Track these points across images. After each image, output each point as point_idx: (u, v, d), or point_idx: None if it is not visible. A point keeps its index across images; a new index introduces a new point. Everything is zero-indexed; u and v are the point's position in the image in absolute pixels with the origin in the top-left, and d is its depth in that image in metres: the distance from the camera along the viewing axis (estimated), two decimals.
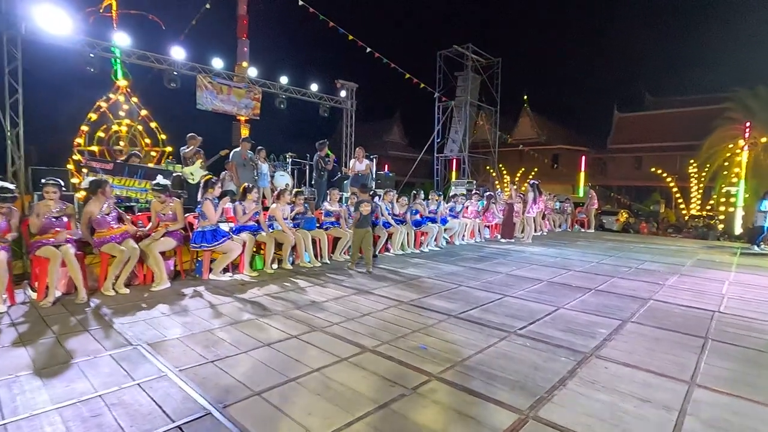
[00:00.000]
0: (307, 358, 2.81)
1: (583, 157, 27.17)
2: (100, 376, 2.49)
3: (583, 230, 13.57)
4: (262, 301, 4.21)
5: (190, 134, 7.49)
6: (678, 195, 22.80)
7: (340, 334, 3.29)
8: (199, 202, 5.14)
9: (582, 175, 26.95)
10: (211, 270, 5.14)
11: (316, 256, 6.29)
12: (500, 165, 24.35)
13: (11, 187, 3.99)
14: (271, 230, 5.78)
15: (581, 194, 25.19)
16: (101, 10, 10.80)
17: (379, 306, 4.13)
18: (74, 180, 8.93)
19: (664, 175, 23.52)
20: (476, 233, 9.82)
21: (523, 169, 27.27)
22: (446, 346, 3.12)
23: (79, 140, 9.91)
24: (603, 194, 24.60)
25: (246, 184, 5.91)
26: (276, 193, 6.02)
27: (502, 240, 9.87)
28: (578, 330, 3.57)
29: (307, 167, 11.40)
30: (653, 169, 24.24)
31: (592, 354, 3.03)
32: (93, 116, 10.11)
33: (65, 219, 4.17)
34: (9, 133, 8.37)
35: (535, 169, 26.11)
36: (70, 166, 9.46)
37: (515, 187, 10.21)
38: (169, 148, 11.32)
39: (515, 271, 6.11)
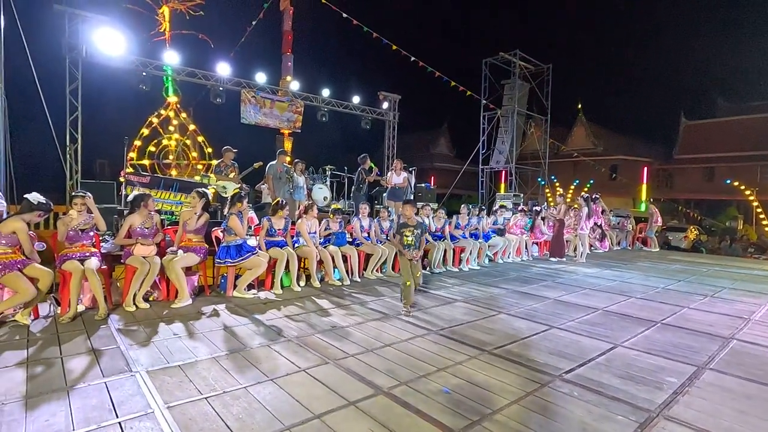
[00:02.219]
0: (310, 399, 2.46)
1: (646, 168, 25.22)
2: (85, 409, 2.29)
3: (645, 248, 12.32)
4: (280, 324, 3.94)
5: (225, 147, 7.54)
6: (759, 210, 20.37)
7: (355, 369, 2.92)
8: (225, 217, 5.03)
9: (644, 187, 24.96)
10: (235, 286, 4.98)
11: (347, 273, 5.99)
12: (552, 177, 23.07)
13: (43, 200, 4.01)
14: (296, 245, 5.57)
15: (643, 208, 23.30)
16: (159, 30, 11.42)
17: (404, 335, 3.71)
18: (125, 192, 9.36)
19: (742, 187, 21.13)
20: (523, 250, 9.11)
21: (577, 181, 25.72)
22: (474, 391, 2.65)
23: (132, 154, 10.42)
24: (669, 208, 22.58)
25: (279, 199, 5.73)
26: (303, 207, 5.81)
27: (552, 259, 9.08)
28: (640, 377, 2.95)
29: (346, 180, 11.26)
30: (728, 181, 21.89)
31: (659, 413, 2.44)
32: (145, 131, 10.62)
33: (91, 231, 4.20)
34: (68, 149, 8.92)
35: (591, 182, 24.50)
36: (123, 180, 9.96)
37: (563, 200, 9.36)
38: (215, 162, 11.67)
39: (565, 297, 5.44)
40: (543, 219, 9.69)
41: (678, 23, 53.84)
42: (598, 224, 10.94)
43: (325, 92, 12.77)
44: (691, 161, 24.81)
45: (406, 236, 4.54)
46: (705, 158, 24.30)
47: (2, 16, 7.54)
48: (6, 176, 7.59)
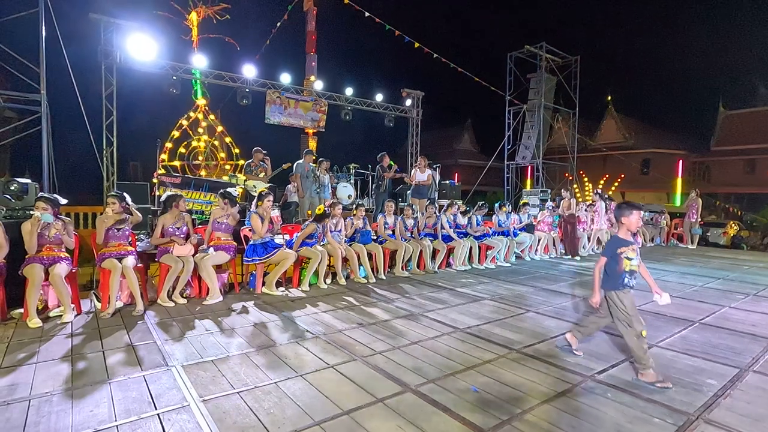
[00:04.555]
0: (338, 396, 2.49)
1: (680, 161, 24.22)
2: (125, 401, 2.40)
3: (681, 245, 11.82)
4: (307, 320, 4.00)
5: (255, 148, 7.69)
6: None
7: (382, 367, 2.94)
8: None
9: (679, 181, 23.99)
10: (264, 283, 5.09)
11: (373, 271, 6.02)
12: (581, 172, 22.43)
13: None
14: (322, 243, 5.63)
15: (678, 203, 22.37)
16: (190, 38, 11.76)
17: (431, 333, 3.71)
18: (158, 193, 9.71)
19: None
20: (551, 247, 8.90)
21: (607, 176, 24.93)
22: (503, 390, 2.62)
23: (164, 156, 10.78)
24: (707, 203, 21.57)
25: (326, 211, 5.73)
26: (328, 205, 5.88)
27: (565, 256, 8.81)
28: (678, 379, 2.85)
29: (370, 178, 11.29)
30: None
31: (699, 416, 2.35)
32: (176, 133, 10.97)
33: (128, 230, 4.38)
34: (105, 152, 9.31)
35: (621, 176, 23.69)
36: (156, 181, 10.33)
37: (569, 194, 8.96)
38: (242, 162, 11.94)
39: None
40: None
41: (714, 6, 51.23)
42: None
43: (349, 91, 12.84)
44: (731, 153, 23.62)
45: (629, 258, 2.82)
46: (745, 149, 23.08)
47: (43, 28, 7.94)
48: (49, 179, 8.01)
